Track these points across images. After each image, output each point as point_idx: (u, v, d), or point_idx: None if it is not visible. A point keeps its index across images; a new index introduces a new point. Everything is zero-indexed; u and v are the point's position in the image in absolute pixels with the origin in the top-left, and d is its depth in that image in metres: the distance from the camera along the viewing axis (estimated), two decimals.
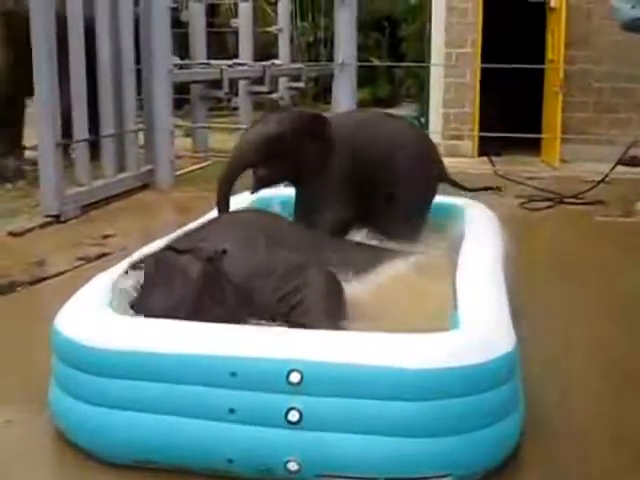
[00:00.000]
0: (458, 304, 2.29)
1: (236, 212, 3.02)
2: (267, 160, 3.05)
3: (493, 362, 1.93)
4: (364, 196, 3.12)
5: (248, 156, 3.06)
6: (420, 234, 3.17)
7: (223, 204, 3.04)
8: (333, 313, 2.38)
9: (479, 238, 3.01)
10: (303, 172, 3.12)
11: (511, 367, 2.01)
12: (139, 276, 2.38)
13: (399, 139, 3.24)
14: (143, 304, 2.27)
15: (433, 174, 3.33)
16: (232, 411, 1.89)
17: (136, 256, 2.54)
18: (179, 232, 2.78)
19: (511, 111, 8.11)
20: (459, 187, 3.53)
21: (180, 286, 2.27)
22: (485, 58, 7.92)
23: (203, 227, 2.77)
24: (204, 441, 1.92)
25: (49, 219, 4.94)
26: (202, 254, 2.33)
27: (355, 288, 2.54)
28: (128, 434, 1.99)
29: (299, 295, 2.41)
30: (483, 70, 7.95)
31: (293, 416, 1.85)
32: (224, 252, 2.36)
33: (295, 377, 1.84)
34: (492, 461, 1.95)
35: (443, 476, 1.86)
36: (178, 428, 1.94)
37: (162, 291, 2.28)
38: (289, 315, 2.36)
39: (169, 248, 2.43)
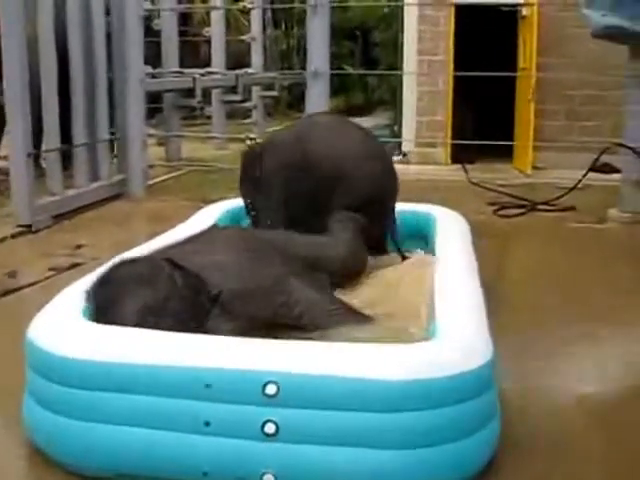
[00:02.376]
0: (436, 313, 2.28)
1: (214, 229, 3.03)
2: None
3: (472, 372, 1.92)
4: (315, 212, 3.12)
5: None
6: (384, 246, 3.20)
7: None
8: (329, 312, 2.43)
9: (453, 246, 3.01)
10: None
11: (489, 377, 2.00)
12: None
13: (355, 153, 3.21)
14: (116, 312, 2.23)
15: (389, 188, 3.29)
16: (207, 424, 1.86)
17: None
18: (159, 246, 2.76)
19: (484, 119, 8.15)
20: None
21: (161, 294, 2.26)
22: (458, 66, 7.95)
23: (188, 241, 2.77)
24: (179, 454, 1.89)
25: (21, 229, 4.88)
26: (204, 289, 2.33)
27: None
28: (102, 447, 1.95)
29: (291, 301, 2.42)
30: (456, 78, 7.98)
31: (269, 428, 1.82)
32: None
33: (271, 389, 1.82)
34: (471, 471, 1.94)
35: None
36: (153, 441, 1.91)
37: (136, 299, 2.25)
38: (288, 323, 2.38)
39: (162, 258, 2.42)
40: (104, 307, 2.26)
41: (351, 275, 2.92)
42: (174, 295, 2.26)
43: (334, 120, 3.64)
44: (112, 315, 2.20)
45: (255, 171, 3.30)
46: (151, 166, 6.84)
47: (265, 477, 1.84)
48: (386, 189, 3.25)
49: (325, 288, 2.66)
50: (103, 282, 2.33)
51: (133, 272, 2.33)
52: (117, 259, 2.43)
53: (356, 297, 2.76)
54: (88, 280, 2.47)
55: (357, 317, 2.51)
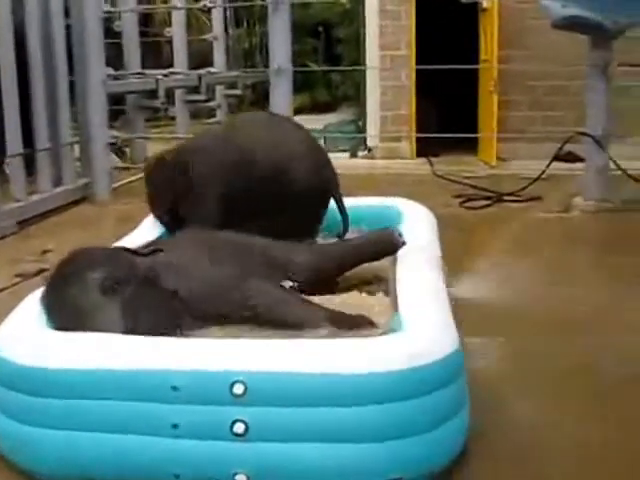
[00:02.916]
0: (399, 304, 2.29)
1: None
2: None
3: (439, 362, 1.92)
4: (255, 214, 3.04)
5: None
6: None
7: None
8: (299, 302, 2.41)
9: (417, 237, 3.01)
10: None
11: (457, 367, 2.01)
12: None
13: (289, 149, 3.15)
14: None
15: (331, 181, 3.23)
16: (175, 426, 1.85)
17: None
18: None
19: (448, 112, 8.18)
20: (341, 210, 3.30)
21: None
22: (420, 60, 7.97)
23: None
24: (148, 458, 1.88)
25: None
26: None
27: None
28: (70, 454, 1.94)
29: (256, 299, 2.39)
30: (419, 72, 8.00)
31: (239, 428, 1.81)
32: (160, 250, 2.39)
33: (239, 388, 1.81)
34: (443, 461, 1.94)
35: (395, 479, 1.84)
36: (121, 446, 1.89)
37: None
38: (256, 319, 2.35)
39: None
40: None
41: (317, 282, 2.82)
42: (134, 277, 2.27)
43: (262, 116, 3.59)
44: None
45: (175, 184, 3.17)
46: (116, 168, 6.80)
47: (237, 477, 1.83)
48: (328, 181, 3.20)
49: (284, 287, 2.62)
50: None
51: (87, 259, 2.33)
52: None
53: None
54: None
55: (314, 307, 2.46)
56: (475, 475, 1.99)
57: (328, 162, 3.27)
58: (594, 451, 2.10)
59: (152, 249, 2.44)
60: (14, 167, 5.35)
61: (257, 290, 2.42)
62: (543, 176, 5.72)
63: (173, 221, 3.28)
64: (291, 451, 1.83)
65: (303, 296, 2.53)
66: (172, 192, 3.21)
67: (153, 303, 2.26)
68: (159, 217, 3.33)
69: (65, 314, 2.21)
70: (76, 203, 5.93)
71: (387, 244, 2.84)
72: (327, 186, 3.20)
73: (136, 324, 2.15)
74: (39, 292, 2.44)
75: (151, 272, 2.34)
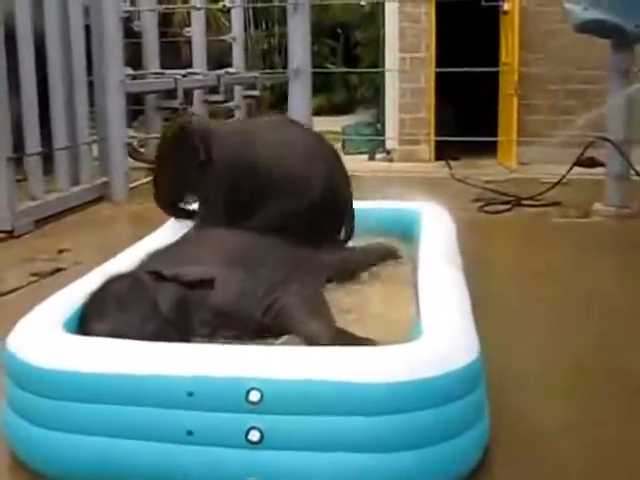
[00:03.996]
0: (421, 310, 2.27)
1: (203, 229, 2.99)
2: None
3: (457, 373, 1.89)
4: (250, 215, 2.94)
5: None
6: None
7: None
8: (316, 314, 2.38)
9: (437, 242, 2.99)
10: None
11: (475, 378, 1.98)
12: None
13: (305, 155, 3.04)
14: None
15: (343, 188, 3.13)
16: (190, 433, 1.83)
17: (109, 272, 2.47)
18: (150, 250, 2.71)
19: (467, 115, 8.14)
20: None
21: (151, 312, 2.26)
22: (440, 62, 7.94)
23: (177, 246, 2.73)
24: (163, 464, 1.86)
25: (2, 234, 4.84)
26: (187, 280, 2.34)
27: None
28: (85, 458, 1.92)
29: (280, 303, 2.40)
30: (438, 74, 7.97)
31: (253, 436, 1.79)
32: (211, 281, 2.36)
33: (255, 396, 1.79)
34: (460, 472, 1.91)
35: None
36: (136, 451, 1.88)
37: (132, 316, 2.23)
38: (274, 325, 2.36)
39: (151, 272, 2.39)
40: (85, 326, 2.25)
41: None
42: (154, 317, 2.26)
43: (280, 121, 3.44)
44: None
45: (195, 153, 2.99)
46: (133, 169, 6.79)
47: None
48: (340, 189, 3.11)
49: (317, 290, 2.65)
50: (90, 301, 2.32)
51: (115, 292, 2.32)
52: (108, 276, 2.40)
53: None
54: (69, 289, 2.46)
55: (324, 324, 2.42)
56: None
57: (342, 169, 3.17)
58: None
59: (199, 280, 2.40)
60: (32, 166, 5.35)
61: (280, 303, 2.43)
62: (563, 181, 5.68)
63: (182, 210, 3.24)
64: (306, 460, 1.81)
65: (323, 304, 2.54)
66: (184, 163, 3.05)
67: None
68: (170, 199, 3.22)
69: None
70: (93, 202, 5.94)
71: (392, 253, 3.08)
72: (340, 206, 3.11)
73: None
74: (56, 294, 2.44)
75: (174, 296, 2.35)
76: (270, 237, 2.79)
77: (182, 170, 3.07)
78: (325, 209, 2.98)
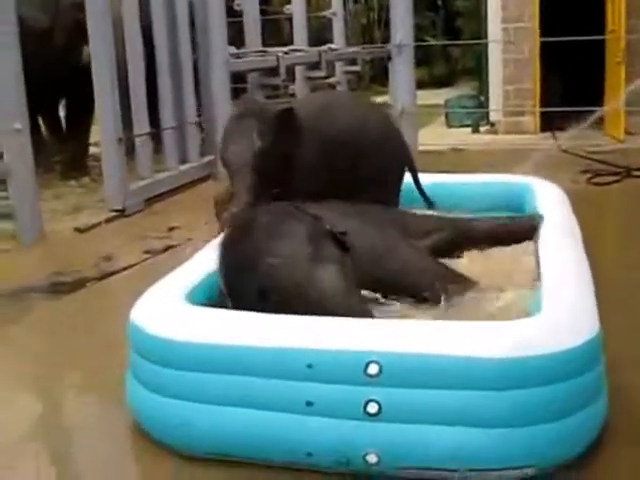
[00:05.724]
0: (541, 281, 2.27)
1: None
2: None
3: (576, 349, 1.87)
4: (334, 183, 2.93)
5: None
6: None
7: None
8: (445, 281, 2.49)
9: (555, 215, 2.95)
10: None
11: (594, 354, 1.95)
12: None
13: (365, 124, 3.08)
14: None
15: (399, 158, 3.22)
16: (310, 404, 1.86)
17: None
18: None
19: (573, 84, 7.96)
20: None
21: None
22: (544, 32, 7.77)
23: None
24: (282, 434, 1.90)
25: (114, 214, 4.98)
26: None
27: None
28: (205, 427, 1.98)
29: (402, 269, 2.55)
30: (543, 44, 7.80)
31: (372, 408, 1.81)
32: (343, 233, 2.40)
33: (373, 369, 1.81)
34: (575, 451, 1.89)
35: (527, 467, 1.81)
36: (256, 421, 1.92)
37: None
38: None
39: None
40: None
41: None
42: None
43: (348, 98, 3.56)
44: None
45: (293, 123, 2.88)
46: None
47: (368, 457, 1.83)
48: (404, 164, 3.25)
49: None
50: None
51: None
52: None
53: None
54: (187, 265, 2.51)
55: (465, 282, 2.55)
56: (610, 465, 1.93)
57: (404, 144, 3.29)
58: None
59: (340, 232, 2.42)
60: (141, 146, 5.47)
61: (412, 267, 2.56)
62: None
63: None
64: (423, 433, 1.81)
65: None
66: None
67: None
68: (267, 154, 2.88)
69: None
70: (200, 181, 6.04)
71: (528, 231, 2.92)
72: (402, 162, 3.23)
73: None
74: (175, 271, 2.49)
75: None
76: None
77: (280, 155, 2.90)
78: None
